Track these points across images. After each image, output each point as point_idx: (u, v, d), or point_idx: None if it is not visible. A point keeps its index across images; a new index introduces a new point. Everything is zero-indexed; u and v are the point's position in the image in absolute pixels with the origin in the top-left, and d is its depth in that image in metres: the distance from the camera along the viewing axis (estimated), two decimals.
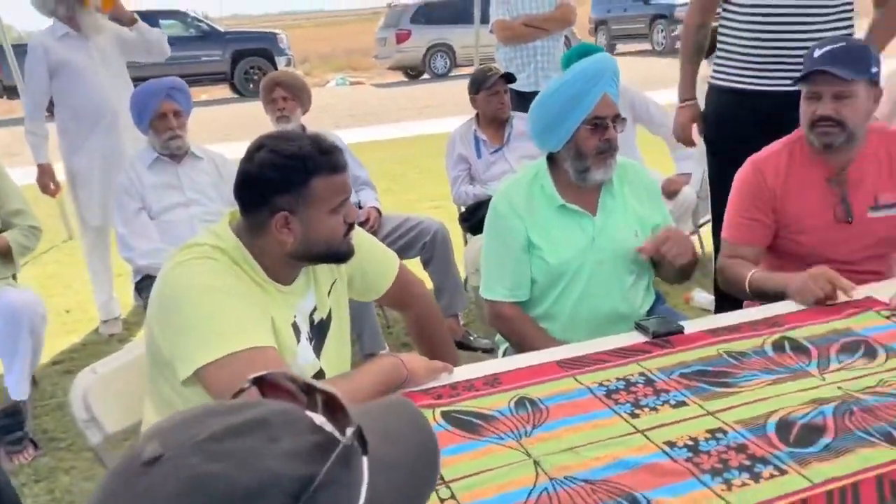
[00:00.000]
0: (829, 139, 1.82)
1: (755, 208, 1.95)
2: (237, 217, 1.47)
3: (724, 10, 2.46)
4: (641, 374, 1.45)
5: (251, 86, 13.87)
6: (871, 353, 1.47)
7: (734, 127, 2.45)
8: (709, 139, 2.63)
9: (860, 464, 1.12)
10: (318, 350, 1.55)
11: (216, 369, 1.27)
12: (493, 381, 1.46)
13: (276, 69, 14.00)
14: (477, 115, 3.43)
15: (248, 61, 14.02)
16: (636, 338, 1.61)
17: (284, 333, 1.43)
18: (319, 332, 1.56)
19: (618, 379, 1.43)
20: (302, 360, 1.47)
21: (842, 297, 1.69)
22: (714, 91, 2.56)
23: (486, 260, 1.93)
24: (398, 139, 8.82)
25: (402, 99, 12.74)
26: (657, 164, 3.66)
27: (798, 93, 1.89)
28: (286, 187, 1.36)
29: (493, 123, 3.38)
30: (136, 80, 3.49)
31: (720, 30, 2.50)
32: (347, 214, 1.44)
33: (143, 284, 2.77)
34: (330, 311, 1.59)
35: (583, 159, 1.78)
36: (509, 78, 3.40)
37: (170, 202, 2.85)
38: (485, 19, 4.58)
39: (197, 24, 14.16)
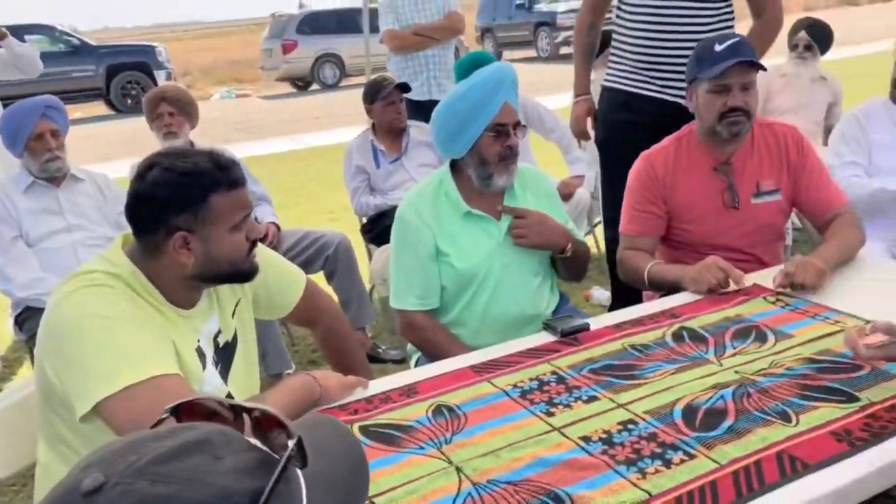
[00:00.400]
0: (738, 128, 1.92)
1: (647, 201, 2.04)
2: (130, 240, 1.40)
3: (618, 16, 2.56)
4: (553, 372, 1.48)
5: (129, 101, 13.27)
6: (761, 338, 1.57)
7: (623, 128, 2.56)
8: (599, 140, 2.73)
9: (760, 442, 1.19)
10: (224, 374, 1.49)
11: (117, 403, 1.20)
12: (410, 392, 1.45)
13: (155, 84, 13.47)
14: (373, 125, 3.41)
15: (125, 76, 13.40)
16: (545, 337, 1.65)
17: (189, 360, 1.37)
18: (225, 355, 1.51)
19: (531, 379, 1.46)
20: (209, 387, 1.41)
21: (732, 287, 1.80)
22: (605, 92, 2.66)
23: (396, 270, 1.92)
24: (292, 152, 8.66)
25: (292, 110, 12.52)
26: (550, 168, 3.77)
27: (675, 104, 1.98)
28: (183, 206, 1.30)
29: (390, 133, 3.38)
30: (1, 101, 3.26)
31: (613, 34, 2.60)
32: (250, 231, 1.40)
33: (25, 317, 2.58)
34: (235, 332, 1.54)
35: (486, 166, 1.82)
36: (404, 87, 3.41)
37: (49, 228, 2.67)
38: (374, 28, 4.57)
39: (66, 39, 13.40)
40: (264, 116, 12.08)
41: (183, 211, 1.30)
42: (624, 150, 2.27)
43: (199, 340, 1.43)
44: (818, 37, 4.04)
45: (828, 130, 4.20)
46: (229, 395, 1.46)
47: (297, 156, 8.33)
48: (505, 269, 1.86)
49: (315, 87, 15.27)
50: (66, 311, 1.27)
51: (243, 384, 1.54)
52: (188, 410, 0.60)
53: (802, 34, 3.98)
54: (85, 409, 1.21)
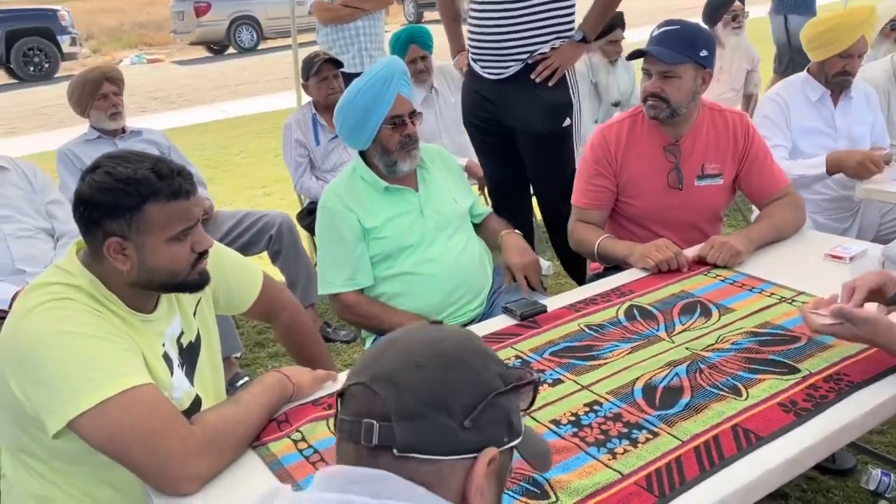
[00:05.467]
0: (655, 112, 2.01)
1: (599, 175, 2.12)
2: (82, 246, 1.37)
3: None
4: (517, 356, 1.55)
5: (31, 69, 12.53)
6: (706, 312, 1.67)
7: (474, 105, 2.69)
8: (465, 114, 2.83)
9: (716, 417, 1.28)
10: (190, 375, 1.49)
11: (91, 419, 1.19)
12: None
13: (59, 50, 12.74)
14: (314, 101, 3.38)
15: (26, 42, 12.59)
16: (506, 321, 1.70)
17: (157, 367, 1.36)
18: (190, 356, 1.50)
19: None
20: (178, 392, 1.41)
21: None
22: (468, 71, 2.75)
23: (322, 258, 2.05)
24: (216, 122, 8.36)
25: (211, 77, 12.07)
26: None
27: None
28: (117, 212, 1.28)
29: (328, 110, 3.34)
30: None
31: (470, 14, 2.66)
32: (196, 243, 1.37)
33: None
34: (198, 332, 1.53)
35: (389, 155, 1.98)
36: (336, 63, 3.36)
37: None
38: None
39: None
40: (182, 83, 11.61)
41: (117, 217, 1.28)
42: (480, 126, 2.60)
43: (164, 345, 1.42)
44: None
45: (747, 97, 4.39)
46: (198, 397, 1.46)
47: (220, 126, 8.07)
48: (435, 233, 2.01)
49: (231, 50, 14.75)
50: (30, 329, 1.24)
51: (209, 383, 1.54)
52: None
53: (737, 3, 4.07)
54: (57, 428, 1.20)
